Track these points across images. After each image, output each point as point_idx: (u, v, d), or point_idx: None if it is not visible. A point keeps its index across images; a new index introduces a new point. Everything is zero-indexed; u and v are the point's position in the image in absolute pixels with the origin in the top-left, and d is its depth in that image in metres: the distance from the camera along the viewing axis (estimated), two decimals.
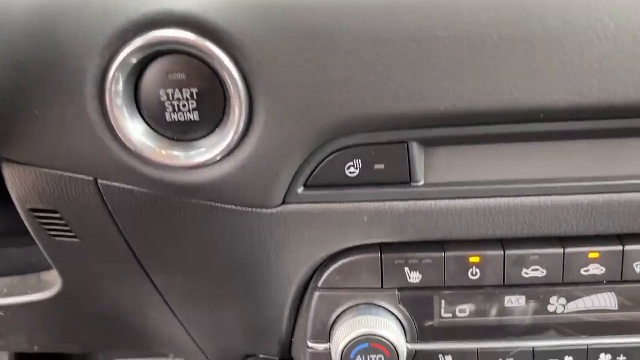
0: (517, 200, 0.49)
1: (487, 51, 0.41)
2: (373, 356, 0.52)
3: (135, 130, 0.44)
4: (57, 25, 0.44)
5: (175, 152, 0.44)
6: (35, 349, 1.12)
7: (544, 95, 0.42)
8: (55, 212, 0.56)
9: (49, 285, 0.78)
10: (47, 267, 0.78)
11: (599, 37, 0.41)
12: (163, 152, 0.44)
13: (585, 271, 0.52)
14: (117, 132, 0.44)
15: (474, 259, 0.52)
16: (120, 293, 0.70)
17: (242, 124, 0.43)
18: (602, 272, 0.52)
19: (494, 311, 0.54)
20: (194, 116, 0.44)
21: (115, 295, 0.71)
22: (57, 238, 0.59)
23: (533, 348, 0.55)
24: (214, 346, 0.71)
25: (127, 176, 0.47)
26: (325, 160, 0.47)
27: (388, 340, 0.51)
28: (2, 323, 0.86)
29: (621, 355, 0.55)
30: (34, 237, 0.62)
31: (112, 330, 0.91)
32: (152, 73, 0.43)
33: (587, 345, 0.55)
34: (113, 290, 0.70)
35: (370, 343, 0.52)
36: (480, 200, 0.49)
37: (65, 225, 0.56)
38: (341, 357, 0.52)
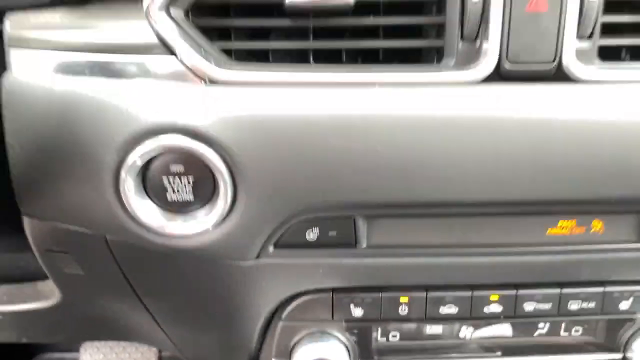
0: (439, 259, 0.61)
1: (422, 167, 0.53)
2: None
3: (143, 208, 0.53)
4: (77, 126, 0.52)
5: (176, 225, 0.54)
6: (24, 340, 1.20)
7: (469, 193, 0.54)
8: (67, 252, 0.65)
9: (46, 295, 0.86)
10: (43, 277, 0.86)
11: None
12: (166, 226, 0.54)
13: (488, 309, 0.65)
14: (128, 209, 0.53)
15: (404, 299, 0.64)
16: (114, 309, 0.79)
17: (227, 206, 0.53)
18: (501, 310, 0.65)
19: (417, 337, 0.67)
20: (190, 197, 0.53)
21: (109, 309, 0.81)
22: (66, 271, 0.68)
23: None
24: (192, 354, 0.81)
25: (133, 240, 0.56)
26: (291, 228, 0.57)
27: (336, 342, 0.64)
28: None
29: None
30: (44, 267, 0.70)
31: (101, 329, 1.00)
32: (158, 165, 0.52)
33: None
34: (107, 306, 0.79)
35: None
36: (410, 259, 0.60)
37: (74, 264, 0.66)
38: None
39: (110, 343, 1.55)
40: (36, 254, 0.67)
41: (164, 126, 0.50)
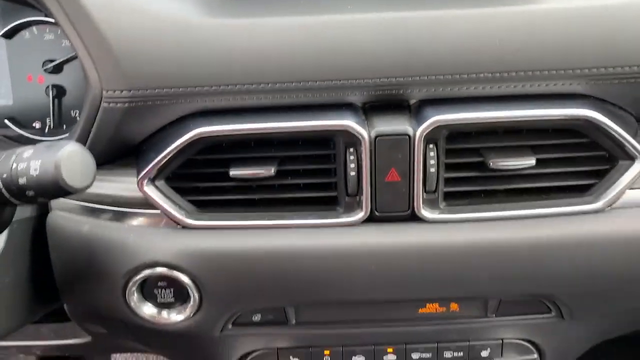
0: (346, 330, 0.86)
1: (323, 281, 0.78)
2: None
3: (143, 309, 0.80)
4: (96, 255, 0.78)
5: (163, 317, 0.80)
6: (66, 354, 1.50)
7: (355, 295, 0.80)
8: (94, 323, 0.92)
9: (82, 335, 1.13)
10: None
11: None
12: (157, 318, 0.80)
13: (387, 358, 0.89)
14: (132, 308, 0.80)
15: (327, 352, 0.88)
16: (132, 346, 1.07)
17: (196, 306, 0.79)
18: (395, 358, 0.89)
19: None
20: (172, 300, 0.80)
21: (129, 346, 1.08)
22: (93, 330, 0.96)
23: None
24: None
25: (138, 323, 0.83)
26: (241, 315, 0.83)
27: None
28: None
29: None
30: (80, 327, 0.98)
31: (125, 349, 1.29)
32: (150, 282, 0.78)
33: None
34: (128, 345, 1.07)
35: None
36: (325, 330, 0.86)
37: (100, 328, 0.93)
38: None
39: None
40: (72, 319, 0.94)
41: (151, 263, 0.76)
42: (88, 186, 0.64)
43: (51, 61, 0.93)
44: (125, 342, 1.05)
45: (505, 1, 0.72)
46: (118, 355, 1.78)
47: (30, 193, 0.63)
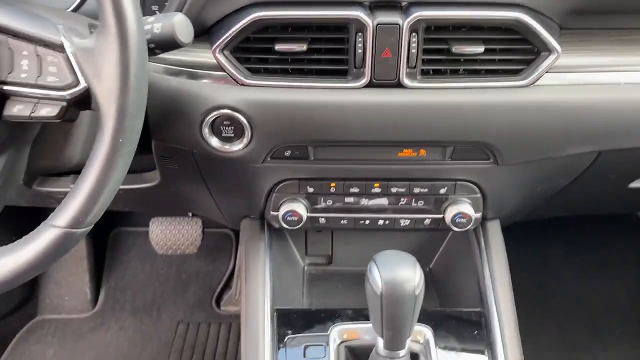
0: (348, 166, 1.22)
1: (337, 126, 1.12)
2: (294, 217, 1.28)
3: (212, 141, 1.14)
4: (180, 102, 1.11)
5: (226, 147, 1.15)
6: (126, 209, 1.82)
7: (359, 137, 1.14)
8: (171, 158, 1.27)
9: (150, 180, 1.46)
10: (149, 169, 1.41)
11: None
12: (221, 148, 1.15)
13: (373, 190, 1.26)
14: (205, 140, 1.14)
15: (332, 184, 1.26)
16: (187, 189, 1.43)
17: (248, 140, 1.14)
18: (380, 191, 1.26)
19: (340, 202, 1.29)
20: (232, 135, 1.14)
21: (184, 189, 1.44)
22: (169, 166, 1.31)
23: (354, 219, 1.32)
24: (229, 214, 1.46)
25: (206, 153, 1.18)
26: (278, 150, 1.18)
27: (300, 203, 1.28)
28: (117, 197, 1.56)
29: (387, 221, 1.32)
30: (157, 165, 1.32)
31: (175, 204, 1.65)
32: (218, 121, 1.12)
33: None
34: (184, 187, 1.42)
35: (292, 212, 1.27)
36: (335, 165, 1.21)
37: (174, 164, 1.28)
38: (282, 217, 1.28)
39: (170, 218, 2.07)
40: (155, 158, 1.29)
41: (221, 106, 1.10)
42: (189, 43, 0.97)
43: None
44: (184, 187, 1.41)
45: None
46: (156, 219, 2.10)
47: (152, 46, 0.96)
